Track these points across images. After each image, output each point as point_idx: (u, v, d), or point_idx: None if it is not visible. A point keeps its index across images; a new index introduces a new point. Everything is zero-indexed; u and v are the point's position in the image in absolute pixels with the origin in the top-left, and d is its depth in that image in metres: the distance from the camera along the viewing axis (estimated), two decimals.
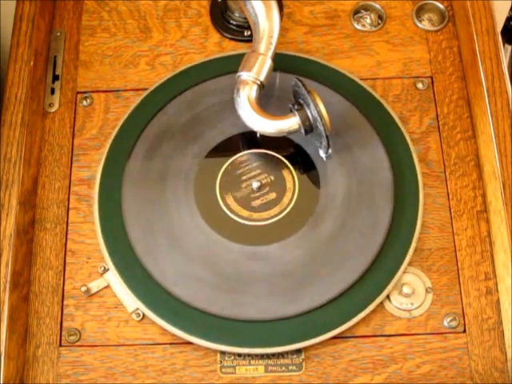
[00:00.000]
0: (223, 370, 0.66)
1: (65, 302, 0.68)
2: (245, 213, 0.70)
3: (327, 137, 0.68)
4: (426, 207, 0.71)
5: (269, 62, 0.71)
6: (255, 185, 0.71)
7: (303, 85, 0.68)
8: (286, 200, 0.70)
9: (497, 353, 0.66)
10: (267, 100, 0.73)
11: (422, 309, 0.67)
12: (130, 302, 0.67)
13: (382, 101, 0.75)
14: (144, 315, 0.67)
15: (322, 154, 0.71)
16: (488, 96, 0.70)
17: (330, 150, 0.71)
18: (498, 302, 0.67)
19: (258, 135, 0.73)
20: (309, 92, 0.67)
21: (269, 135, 0.70)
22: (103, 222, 0.70)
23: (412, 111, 0.75)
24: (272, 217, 0.70)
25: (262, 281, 0.67)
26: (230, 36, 0.80)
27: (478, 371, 0.65)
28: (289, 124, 0.69)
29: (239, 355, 0.66)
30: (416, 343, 0.66)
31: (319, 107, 0.67)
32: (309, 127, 0.69)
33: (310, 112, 0.68)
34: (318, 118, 0.67)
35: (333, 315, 0.66)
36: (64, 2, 0.82)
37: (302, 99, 0.69)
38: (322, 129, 0.67)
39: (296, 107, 0.69)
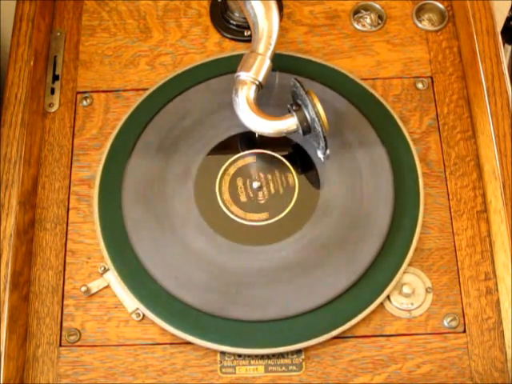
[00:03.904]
0: (223, 370, 0.66)
1: (65, 302, 0.68)
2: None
3: (325, 138, 0.68)
4: (426, 207, 0.71)
5: (267, 62, 0.70)
6: (255, 185, 0.71)
7: (301, 85, 0.68)
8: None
9: (497, 353, 0.65)
10: (266, 100, 0.73)
11: (422, 309, 0.67)
12: (130, 302, 0.67)
13: (382, 101, 0.75)
14: (144, 315, 0.67)
15: (319, 154, 0.71)
16: (488, 96, 0.70)
17: (327, 151, 0.70)
18: (497, 302, 0.67)
19: (256, 135, 0.73)
20: (307, 93, 0.67)
21: (267, 135, 0.70)
22: (103, 222, 0.70)
23: (412, 111, 0.75)
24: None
25: (261, 281, 0.67)
26: (230, 36, 0.80)
27: (478, 371, 0.65)
28: (287, 125, 0.69)
29: (239, 355, 0.66)
30: (416, 343, 0.66)
31: (317, 108, 0.67)
32: (307, 128, 0.69)
33: (308, 113, 0.68)
34: (316, 119, 0.67)
35: (333, 315, 0.66)
36: (64, 1, 0.83)
37: (300, 100, 0.69)
38: (319, 130, 0.67)
39: (294, 108, 0.69)
